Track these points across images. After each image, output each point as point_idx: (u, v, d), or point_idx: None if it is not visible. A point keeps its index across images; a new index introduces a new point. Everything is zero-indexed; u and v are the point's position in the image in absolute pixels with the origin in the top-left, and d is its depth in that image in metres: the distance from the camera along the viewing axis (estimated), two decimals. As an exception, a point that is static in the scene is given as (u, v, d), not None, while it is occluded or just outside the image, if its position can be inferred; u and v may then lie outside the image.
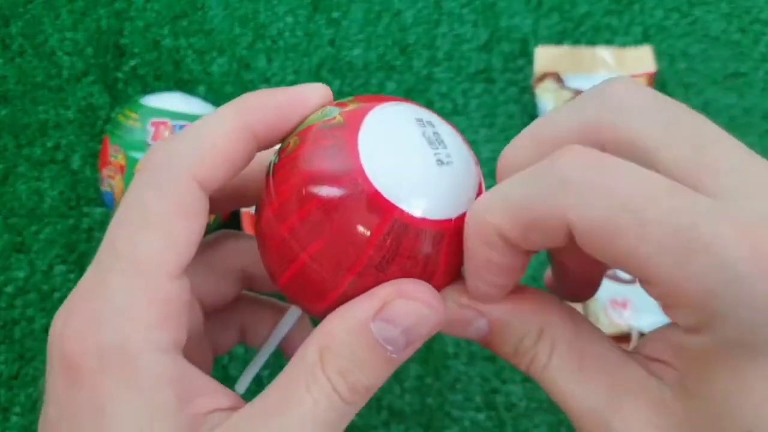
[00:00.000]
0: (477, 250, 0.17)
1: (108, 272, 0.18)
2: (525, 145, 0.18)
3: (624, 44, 0.45)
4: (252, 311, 0.26)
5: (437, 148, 0.19)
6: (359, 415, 0.40)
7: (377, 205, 0.17)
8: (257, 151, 0.20)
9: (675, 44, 0.46)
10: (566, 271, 0.20)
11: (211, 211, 0.19)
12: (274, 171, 0.19)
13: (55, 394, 0.17)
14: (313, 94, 0.20)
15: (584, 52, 0.45)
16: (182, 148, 0.18)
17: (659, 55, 0.45)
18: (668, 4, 0.47)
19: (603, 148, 0.16)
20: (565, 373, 0.17)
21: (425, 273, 0.18)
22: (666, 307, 0.15)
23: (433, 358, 0.41)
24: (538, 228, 0.16)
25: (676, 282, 0.14)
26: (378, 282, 0.18)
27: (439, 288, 0.19)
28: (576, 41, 0.46)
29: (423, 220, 0.18)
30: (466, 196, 0.19)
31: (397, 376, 0.41)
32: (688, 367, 0.16)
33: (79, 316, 0.17)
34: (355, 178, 0.17)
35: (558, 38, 0.46)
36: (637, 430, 0.16)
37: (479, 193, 0.20)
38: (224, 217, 0.40)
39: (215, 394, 0.18)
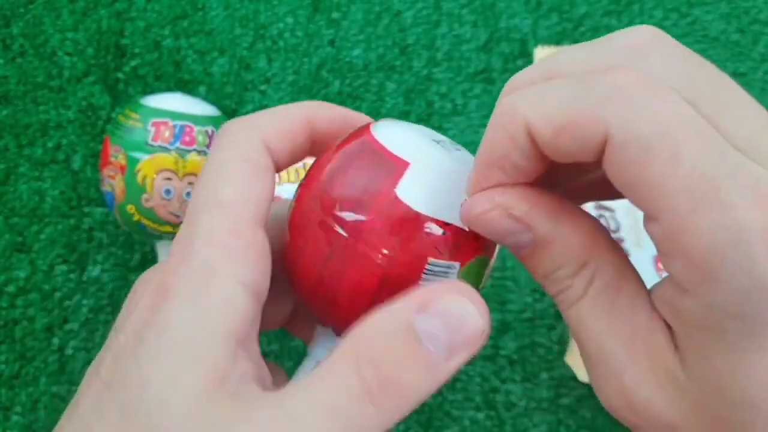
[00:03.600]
0: (498, 142, 0.17)
1: (197, 215, 0.19)
2: (540, 73, 0.17)
3: (623, 45, 0.45)
4: None
5: (444, 145, 0.21)
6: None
7: (390, 160, 0.19)
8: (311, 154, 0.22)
9: (674, 45, 0.46)
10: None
11: None
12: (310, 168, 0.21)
13: (139, 314, 0.18)
14: (359, 117, 0.22)
15: (584, 52, 0.45)
16: (255, 120, 0.21)
17: (658, 55, 0.45)
18: (667, 5, 0.47)
19: None
20: (593, 313, 0.17)
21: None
22: (665, 254, 0.15)
23: (433, 357, 0.41)
24: (573, 132, 0.15)
25: (685, 228, 0.14)
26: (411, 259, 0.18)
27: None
28: (575, 41, 0.46)
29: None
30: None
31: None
32: (684, 335, 0.15)
33: (174, 252, 0.19)
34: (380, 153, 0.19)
35: (557, 39, 0.46)
36: (649, 390, 0.16)
37: None
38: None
39: (258, 361, 0.18)
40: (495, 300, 0.42)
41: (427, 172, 0.19)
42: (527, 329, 0.41)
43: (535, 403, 0.40)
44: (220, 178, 0.19)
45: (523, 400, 0.40)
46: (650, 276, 0.40)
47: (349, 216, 0.18)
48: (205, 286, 0.17)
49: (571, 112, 0.15)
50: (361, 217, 0.18)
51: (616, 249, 0.18)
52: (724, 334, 0.14)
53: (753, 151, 0.14)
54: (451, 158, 0.20)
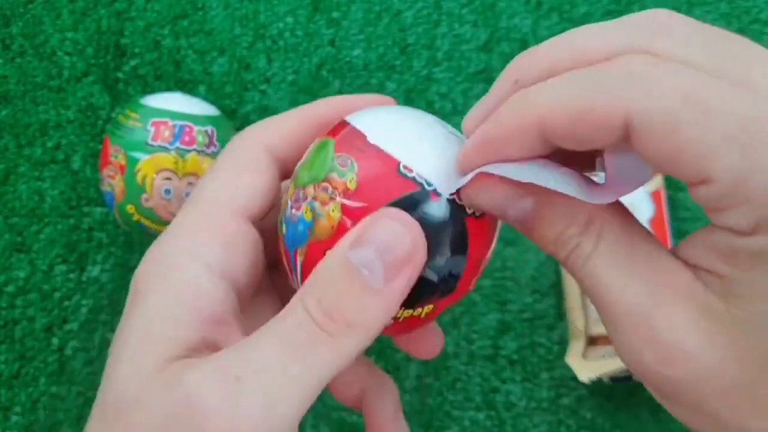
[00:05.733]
0: (506, 127, 0.17)
1: (181, 213, 0.20)
2: (560, 46, 0.17)
3: (623, 44, 0.45)
4: None
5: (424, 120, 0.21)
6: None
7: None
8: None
9: (674, 44, 0.46)
10: None
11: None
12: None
13: (123, 315, 0.19)
14: (362, 100, 0.23)
15: (584, 52, 0.45)
16: (257, 127, 0.22)
17: (659, 55, 0.45)
18: (668, 5, 0.47)
19: None
20: (609, 265, 0.17)
21: None
22: (723, 209, 0.15)
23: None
24: (592, 119, 0.15)
25: (740, 174, 0.14)
26: None
27: None
28: (576, 41, 0.46)
29: None
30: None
31: (397, 376, 0.41)
32: (738, 271, 0.15)
33: (150, 248, 0.20)
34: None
35: (558, 38, 0.46)
36: (682, 330, 0.16)
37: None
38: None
39: (226, 329, 0.19)
40: (495, 300, 0.42)
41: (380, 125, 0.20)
42: (527, 329, 0.41)
43: (535, 403, 0.40)
44: (211, 179, 0.21)
45: (523, 400, 0.40)
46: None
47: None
48: (167, 273, 0.19)
49: (588, 100, 0.15)
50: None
51: (623, 209, 0.18)
52: None
53: None
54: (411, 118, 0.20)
